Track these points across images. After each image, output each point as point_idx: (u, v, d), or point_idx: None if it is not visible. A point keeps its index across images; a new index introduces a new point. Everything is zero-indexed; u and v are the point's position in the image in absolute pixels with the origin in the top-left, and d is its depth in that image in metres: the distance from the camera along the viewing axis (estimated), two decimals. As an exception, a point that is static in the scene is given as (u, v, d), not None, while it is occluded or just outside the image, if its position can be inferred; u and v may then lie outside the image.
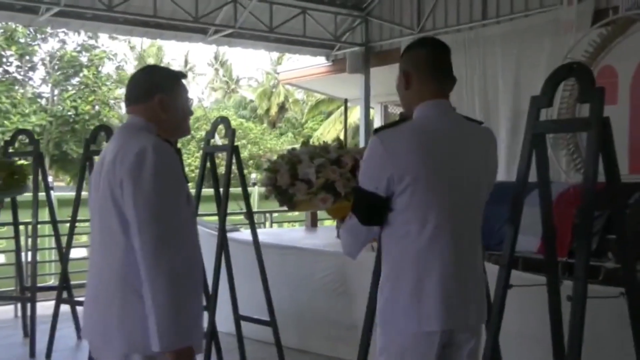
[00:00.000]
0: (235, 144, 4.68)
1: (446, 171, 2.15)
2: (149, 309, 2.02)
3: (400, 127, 2.20)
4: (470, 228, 2.23)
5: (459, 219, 2.17)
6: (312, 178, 2.37)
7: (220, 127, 4.75)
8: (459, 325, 2.17)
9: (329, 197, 2.39)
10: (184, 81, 2.35)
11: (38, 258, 6.14)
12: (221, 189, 4.81)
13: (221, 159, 5.06)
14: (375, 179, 2.13)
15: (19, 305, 6.86)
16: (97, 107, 27.27)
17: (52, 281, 8.65)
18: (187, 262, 2.06)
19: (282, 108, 36.64)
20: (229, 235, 5.04)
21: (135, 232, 2.04)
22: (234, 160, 4.66)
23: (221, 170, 4.92)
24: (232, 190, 4.90)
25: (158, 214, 2.03)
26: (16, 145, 6.29)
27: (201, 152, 4.95)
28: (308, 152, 2.45)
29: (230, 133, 4.64)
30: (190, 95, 2.37)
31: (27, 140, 6.19)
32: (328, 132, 28.96)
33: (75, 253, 7.07)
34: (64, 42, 27.74)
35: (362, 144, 10.79)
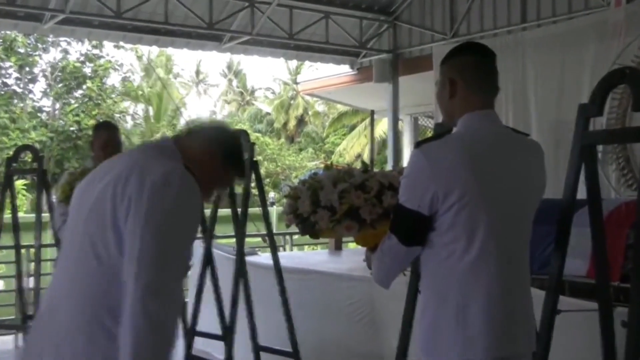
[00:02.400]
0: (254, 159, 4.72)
1: (494, 187, 2.17)
2: (124, 357, 1.90)
3: (445, 139, 2.21)
4: (519, 247, 2.24)
5: (506, 237, 2.18)
6: (335, 204, 2.38)
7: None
8: (506, 352, 2.17)
9: (353, 224, 2.40)
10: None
11: (41, 284, 6.20)
12: (239, 209, 4.85)
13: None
14: (418, 197, 2.15)
15: (19, 335, 6.92)
16: (101, 122, 27.60)
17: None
18: (176, 311, 1.99)
19: (301, 121, 36.83)
20: (247, 259, 5.07)
21: (131, 266, 1.92)
22: (253, 177, 4.70)
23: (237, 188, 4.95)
24: (249, 210, 4.94)
25: (166, 251, 1.93)
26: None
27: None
28: (331, 177, 2.47)
29: (249, 147, 4.67)
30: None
31: (28, 158, 6.30)
32: (351, 147, 29.05)
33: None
34: (66, 52, 28.21)
35: (390, 160, 10.82)
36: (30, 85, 28.56)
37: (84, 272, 2.03)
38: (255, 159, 4.74)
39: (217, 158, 2.20)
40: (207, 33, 9.33)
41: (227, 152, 2.24)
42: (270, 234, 4.90)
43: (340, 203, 2.38)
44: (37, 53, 27.84)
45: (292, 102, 36.64)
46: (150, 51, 34.61)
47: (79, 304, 2.01)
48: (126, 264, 1.93)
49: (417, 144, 2.22)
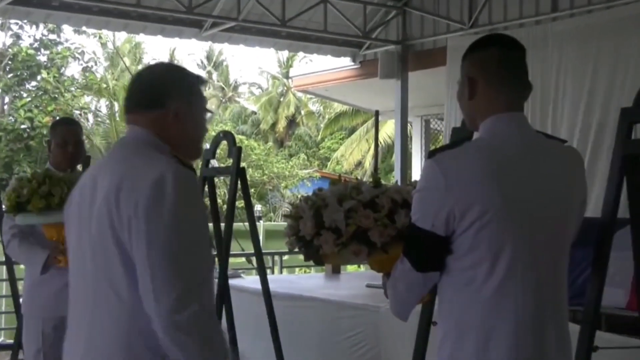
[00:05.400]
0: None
1: (522, 202, 2.18)
2: None
3: (463, 147, 2.24)
4: (553, 273, 2.25)
5: (537, 262, 2.19)
6: (341, 225, 2.39)
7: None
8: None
9: (362, 248, 2.41)
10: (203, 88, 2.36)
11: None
12: (222, 224, 4.87)
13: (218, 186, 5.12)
14: (432, 215, 2.17)
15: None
16: (58, 119, 27.48)
17: (2, 338, 8.72)
18: (210, 319, 2.08)
19: (292, 122, 36.86)
20: (230, 282, 5.09)
21: (148, 289, 2.00)
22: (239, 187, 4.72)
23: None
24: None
25: (182, 264, 2.01)
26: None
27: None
28: (336, 193, 2.48)
29: (235, 152, 4.70)
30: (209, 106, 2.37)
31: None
32: (350, 153, 29.09)
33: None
34: (17, 36, 28.14)
35: (397, 169, 10.84)
36: (-25, 76, 28.51)
37: (106, 310, 2.09)
38: (241, 165, 4.76)
39: (180, 108, 2.22)
40: (186, 18, 9.31)
41: (179, 90, 2.24)
42: (258, 254, 4.92)
43: (347, 224, 2.38)
44: (-18, 38, 27.80)
45: (281, 99, 36.66)
46: (116, 36, 34.62)
47: (111, 348, 2.07)
48: (143, 291, 2.00)
49: (431, 153, 2.23)
